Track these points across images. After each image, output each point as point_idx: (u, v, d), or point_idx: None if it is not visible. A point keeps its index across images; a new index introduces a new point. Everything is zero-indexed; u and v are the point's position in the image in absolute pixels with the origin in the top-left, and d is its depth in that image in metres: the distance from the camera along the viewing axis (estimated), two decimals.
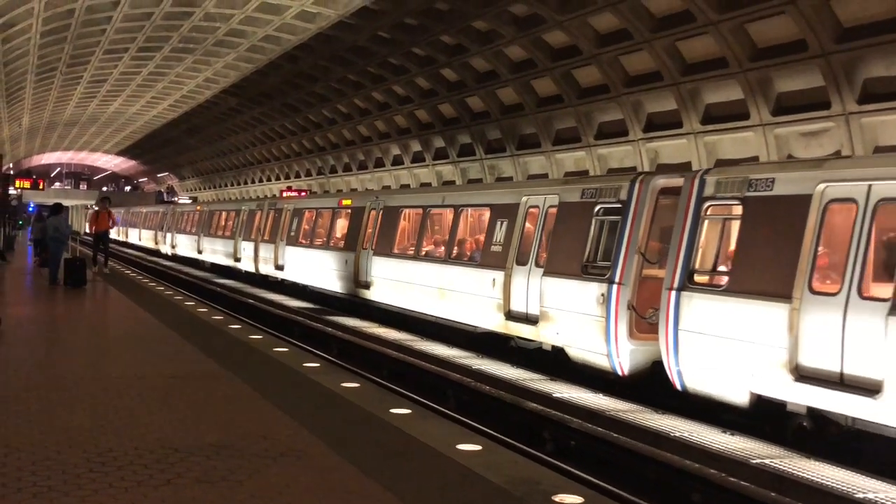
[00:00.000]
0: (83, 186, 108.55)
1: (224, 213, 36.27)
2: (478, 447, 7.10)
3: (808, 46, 16.72)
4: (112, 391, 8.81)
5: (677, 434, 10.11)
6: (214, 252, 36.34)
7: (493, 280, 15.21)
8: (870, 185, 9.10)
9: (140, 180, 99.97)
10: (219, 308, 21.20)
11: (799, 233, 9.58)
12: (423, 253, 18.53)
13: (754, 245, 10.28)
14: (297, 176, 50.02)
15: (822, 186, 9.61)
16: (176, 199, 69.09)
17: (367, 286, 20.59)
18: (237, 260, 32.48)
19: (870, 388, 8.57)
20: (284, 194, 39.29)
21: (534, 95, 26.09)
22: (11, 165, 71.00)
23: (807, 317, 9.30)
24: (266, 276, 29.04)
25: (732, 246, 10.80)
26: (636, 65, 21.48)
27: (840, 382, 8.91)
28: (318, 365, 11.08)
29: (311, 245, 25.18)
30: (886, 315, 8.49)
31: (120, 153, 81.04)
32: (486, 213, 16.54)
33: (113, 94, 46.13)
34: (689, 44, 19.61)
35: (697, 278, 11.02)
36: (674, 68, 20.27)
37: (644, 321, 11.97)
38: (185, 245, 42.92)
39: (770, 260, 9.94)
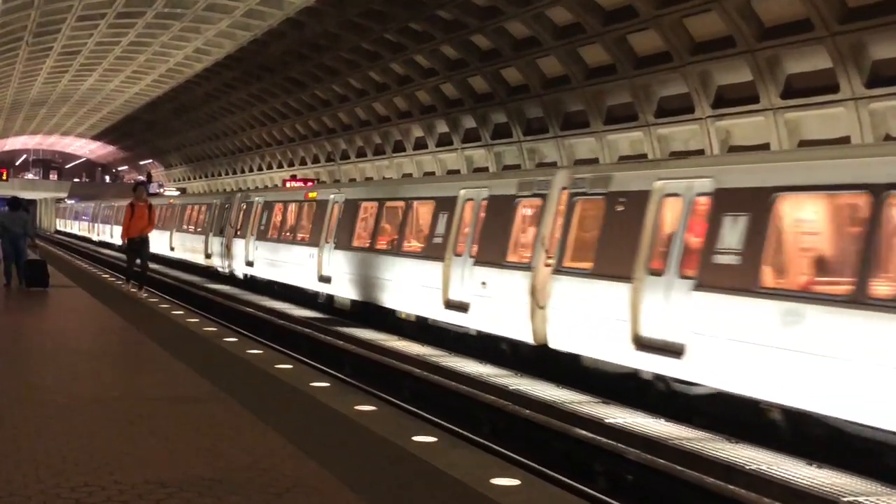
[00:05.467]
0: (53, 176, 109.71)
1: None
2: (516, 482, 7.08)
3: None
4: (86, 415, 8.86)
5: (753, 467, 10.07)
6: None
7: (216, 242, 35.36)
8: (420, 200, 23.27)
9: (119, 168, 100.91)
10: (211, 318, 21.35)
11: (325, 215, 24.67)
12: (220, 231, 36.07)
13: (306, 222, 27.54)
14: (303, 163, 50.19)
15: (333, 196, 24.77)
16: (162, 190, 69.73)
17: (209, 256, 37.46)
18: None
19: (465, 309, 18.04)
20: (288, 184, 40.96)
21: (582, 66, 26.01)
22: None
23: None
24: (167, 257, 45.01)
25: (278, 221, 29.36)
26: (703, 29, 21.38)
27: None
28: (327, 385, 11.10)
29: (188, 231, 41.62)
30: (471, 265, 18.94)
31: (96, 137, 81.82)
32: (233, 208, 34.33)
33: (87, 69, 46.59)
34: (766, 4, 19.48)
35: (267, 234, 29.12)
36: (748, 33, 20.13)
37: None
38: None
39: (311, 227, 26.16)
